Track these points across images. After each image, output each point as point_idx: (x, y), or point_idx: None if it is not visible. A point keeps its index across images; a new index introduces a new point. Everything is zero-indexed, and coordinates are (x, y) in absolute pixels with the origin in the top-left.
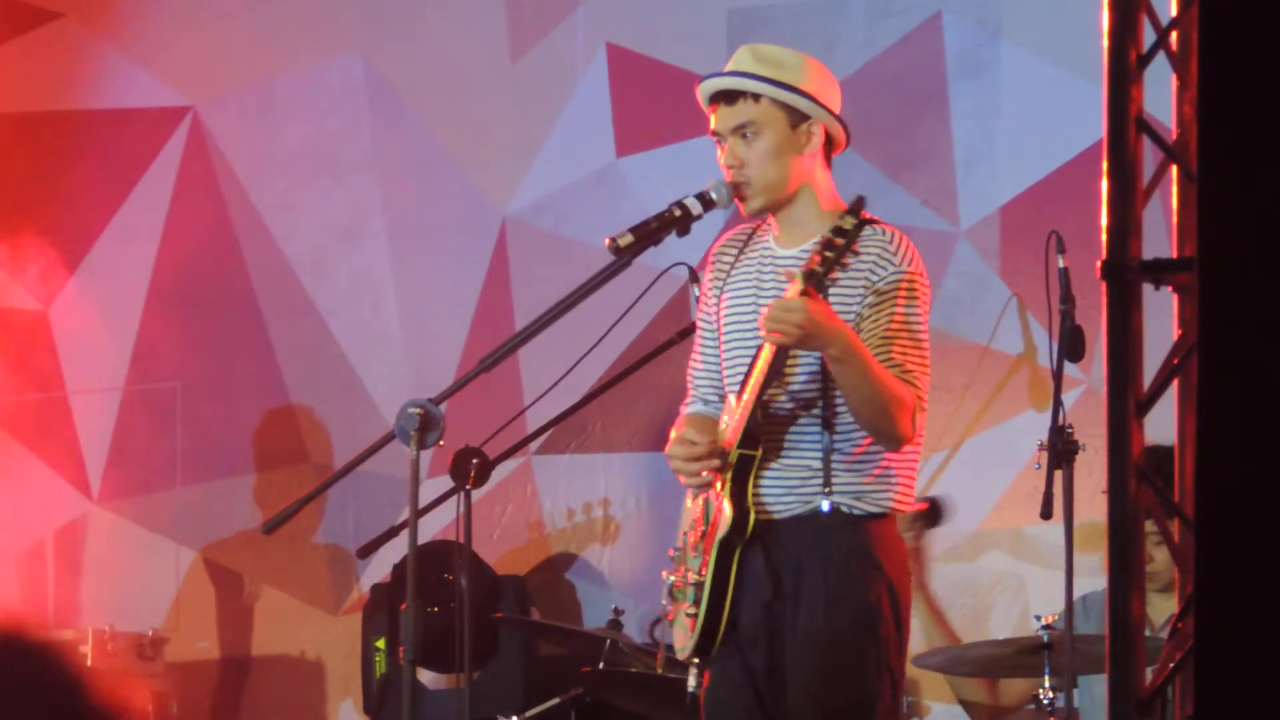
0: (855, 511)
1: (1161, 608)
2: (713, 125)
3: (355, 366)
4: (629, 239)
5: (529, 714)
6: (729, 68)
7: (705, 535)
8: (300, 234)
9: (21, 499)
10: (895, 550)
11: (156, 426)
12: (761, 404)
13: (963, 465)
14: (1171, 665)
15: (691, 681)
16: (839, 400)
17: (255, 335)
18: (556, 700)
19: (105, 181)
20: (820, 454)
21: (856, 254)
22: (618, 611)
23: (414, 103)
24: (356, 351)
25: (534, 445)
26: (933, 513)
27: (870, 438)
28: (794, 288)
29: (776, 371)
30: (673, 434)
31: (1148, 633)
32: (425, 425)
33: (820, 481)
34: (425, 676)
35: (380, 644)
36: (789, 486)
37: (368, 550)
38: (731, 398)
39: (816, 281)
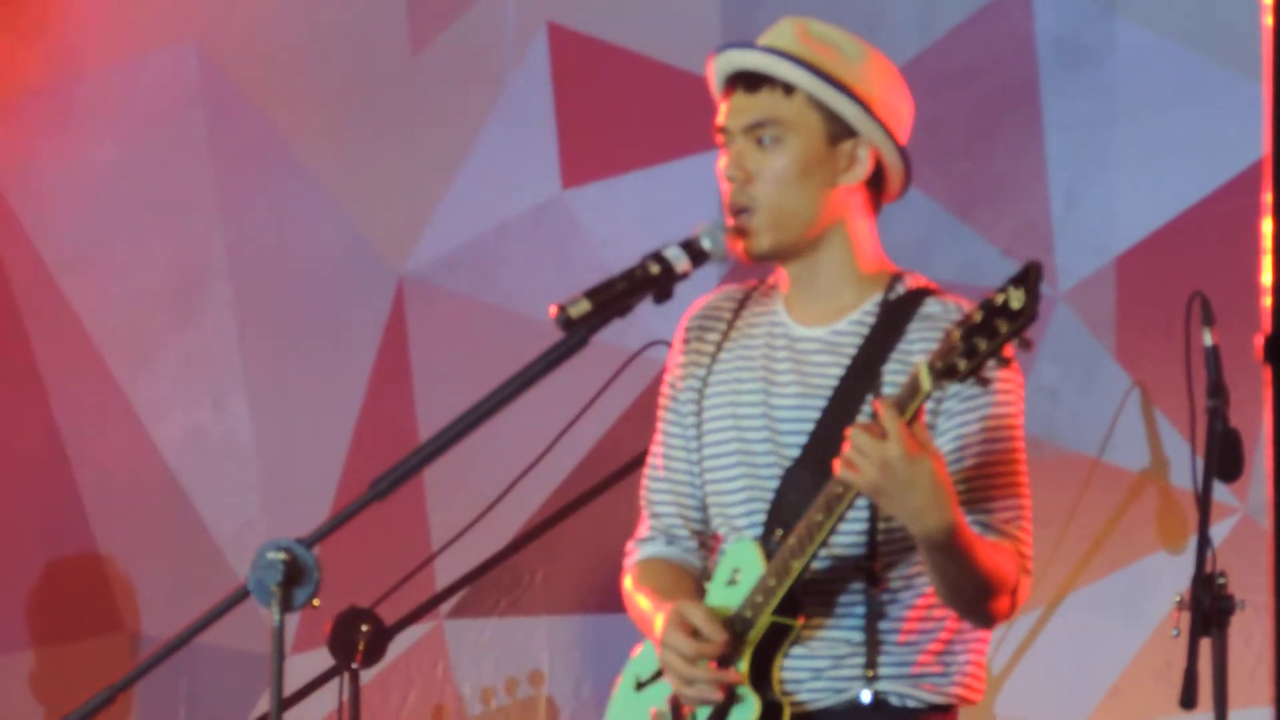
0: (909, 703)
1: None
2: (720, 119)
3: (189, 493)
4: (584, 307)
5: None
6: (763, 41)
7: None
8: (109, 302)
9: None
10: None
11: None
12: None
13: (1064, 632)
14: None
15: None
16: (887, 547)
17: (47, 456)
18: None
19: None
20: (861, 621)
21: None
22: None
23: (271, 115)
24: (191, 471)
25: (446, 606)
26: None
27: (933, 597)
28: (889, 409)
29: (842, 518)
30: (655, 614)
31: None
32: (292, 577)
33: (861, 661)
34: None
35: None
36: (816, 669)
37: None
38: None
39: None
